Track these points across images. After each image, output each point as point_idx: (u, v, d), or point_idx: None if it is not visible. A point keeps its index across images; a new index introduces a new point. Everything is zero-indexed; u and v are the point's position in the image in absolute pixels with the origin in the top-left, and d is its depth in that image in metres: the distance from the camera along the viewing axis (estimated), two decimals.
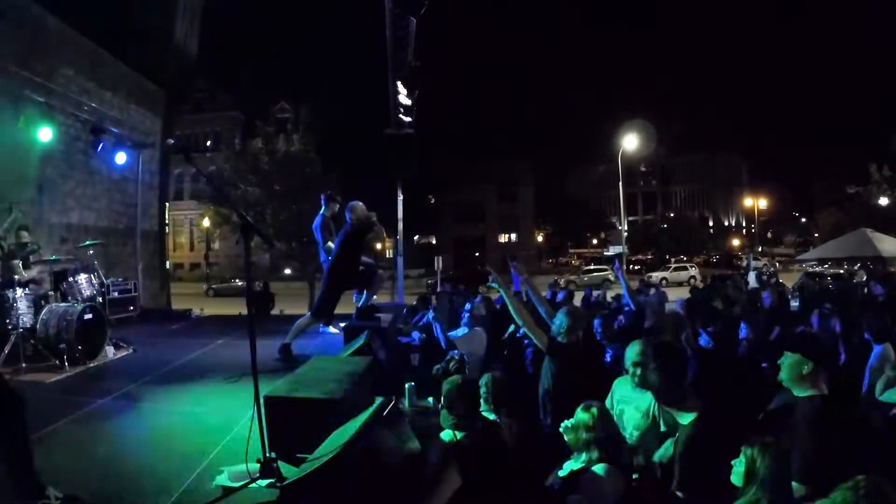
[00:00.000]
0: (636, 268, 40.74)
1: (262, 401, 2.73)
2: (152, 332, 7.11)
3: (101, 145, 8.40)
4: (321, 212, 5.72)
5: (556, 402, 3.19)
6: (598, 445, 2.33)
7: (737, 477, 2.02)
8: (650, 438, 2.70)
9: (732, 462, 2.05)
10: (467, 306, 6.26)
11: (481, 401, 2.81)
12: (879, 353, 3.89)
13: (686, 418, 2.50)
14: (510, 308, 3.64)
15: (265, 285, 17.43)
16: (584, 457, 2.39)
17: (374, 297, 6.06)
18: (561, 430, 2.44)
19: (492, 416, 2.78)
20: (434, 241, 48.35)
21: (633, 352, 2.74)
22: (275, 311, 8.24)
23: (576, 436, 2.39)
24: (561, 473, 2.46)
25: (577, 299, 8.46)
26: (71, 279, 6.00)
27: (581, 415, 2.40)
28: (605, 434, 2.35)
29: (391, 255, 27.95)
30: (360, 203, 5.31)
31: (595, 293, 9.84)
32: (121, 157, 8.45)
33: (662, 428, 2.65)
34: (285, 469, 2.61)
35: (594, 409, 2.39)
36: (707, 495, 2.22)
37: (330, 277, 5.20)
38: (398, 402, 3.01)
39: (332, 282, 5.20)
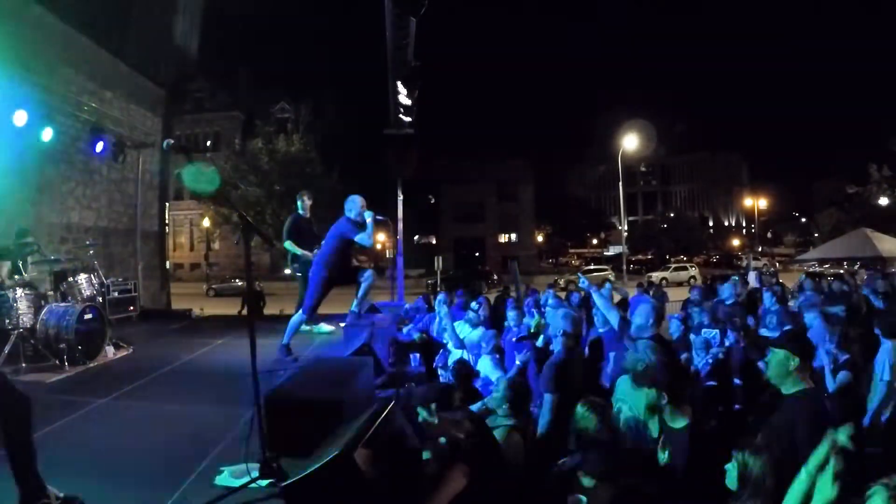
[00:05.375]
0: (636, 268, 40.70)
1: (262, 401, 2.73)
2: (152, 332, 7.10)
3: (101, 145, 8.40)
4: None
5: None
6: (592, 443, 2.34)
7: (731, 481, 2.02)
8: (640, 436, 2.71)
9: (725, 466, 2.05)
10: (475, 307, 6.26)
11: (502, 405, 2.78)
12: (889, 348, 3.87)
13: (678, 423, 2.53)
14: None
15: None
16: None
17: (369, 296, 5.99)
18: (571, 430, 2.45)
19: (510, 422, 2.74)
20: (434, 241, 48.28)
21: (637, 353, 2.76)
22: (275, 311, 8.25)
23: (577, 431, 2.40)
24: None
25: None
26: (71, 279, 6.00)
27: (581, 410, 2.41)
28: (602, 433, 2.35)
29: (391, 255, 27.96)
30: (360, 197, 5.22)
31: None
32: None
33: (654, 433, 2.65)
34: (285, 469, 2.61)
35: (590, 407, 2.40)
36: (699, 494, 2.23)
37: (320, 272, 5.15)
38: (398, 402, 3.00)
39: (322, 277, 5.14)
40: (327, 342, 6.11)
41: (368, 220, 5.03)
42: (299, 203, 6.86)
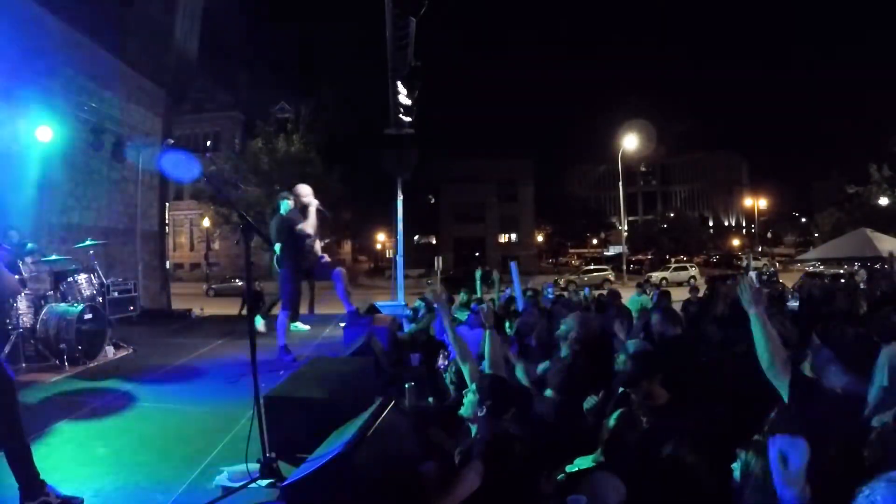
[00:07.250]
0: (636, 268, 40.69)
1: (262, 401, 2.73)
2: (152, 332, 7.11)
3: (101, 145, 8.40)
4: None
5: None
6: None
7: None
8: None
9: (732, 465, 2.04)
10: (474, 307, 6.27)
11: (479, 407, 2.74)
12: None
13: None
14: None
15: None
16: (590, 458, 2.39)
17: (350, 292, 5.92)
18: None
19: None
20: (434, 241, 48.31)
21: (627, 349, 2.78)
22: (275, 312, 8.28)
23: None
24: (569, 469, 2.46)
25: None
26: (71, 279, 5.99)
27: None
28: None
29: (391, 255, 27.96)
30: (302, 186, 5.31)
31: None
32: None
33: None
34: (285, 469, 2.61)
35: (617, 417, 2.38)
36: None
37: (284, 269, 5.17)
38: (398, 402, 3.00)
39: (285, 272, 5.16)
40: (327, 342, 6.11)
41: (312, 209, 5.13)
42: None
